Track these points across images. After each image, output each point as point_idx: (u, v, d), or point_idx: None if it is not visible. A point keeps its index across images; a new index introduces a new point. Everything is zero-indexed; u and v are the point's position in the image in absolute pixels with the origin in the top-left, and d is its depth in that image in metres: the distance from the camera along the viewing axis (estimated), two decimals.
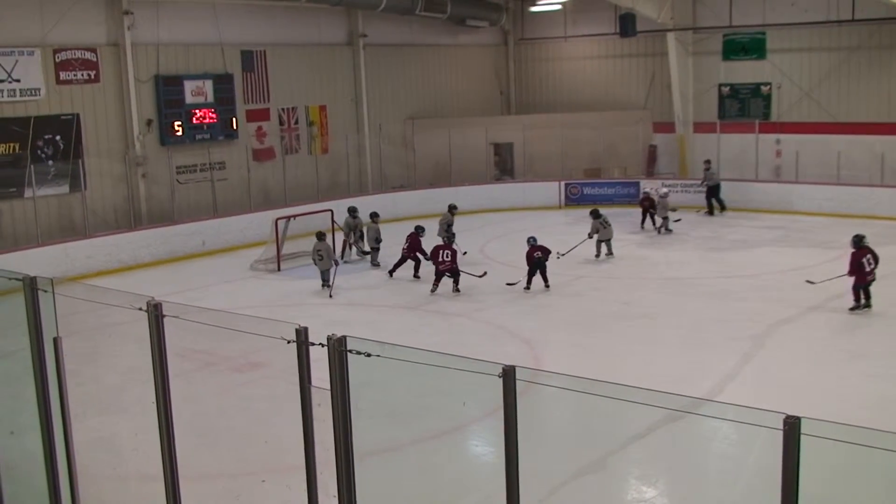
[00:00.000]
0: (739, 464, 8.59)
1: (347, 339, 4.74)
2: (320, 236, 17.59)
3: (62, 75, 19.87)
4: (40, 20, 19.48)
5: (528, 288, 16.42)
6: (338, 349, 4.74)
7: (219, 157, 22.98)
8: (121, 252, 19.59)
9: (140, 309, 5.62)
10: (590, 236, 19.10)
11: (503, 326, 14.43)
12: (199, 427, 9.49)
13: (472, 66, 30.76)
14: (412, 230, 18.11)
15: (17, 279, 6.39)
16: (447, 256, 16.49)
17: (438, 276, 16.52)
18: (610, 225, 19.21)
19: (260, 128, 24.20)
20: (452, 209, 19.98)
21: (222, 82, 22.98)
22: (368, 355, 4.65)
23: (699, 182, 24.79)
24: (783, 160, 25.78)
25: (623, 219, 22.07)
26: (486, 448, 9.00)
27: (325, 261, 17.18)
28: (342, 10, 25.77)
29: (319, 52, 25.78)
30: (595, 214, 19.34)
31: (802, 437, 3.58)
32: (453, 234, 18.96)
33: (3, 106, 18.91)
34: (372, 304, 16.44)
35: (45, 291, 6.35)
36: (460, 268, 16.71)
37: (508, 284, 16.57)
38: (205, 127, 22.61)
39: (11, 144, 19.09)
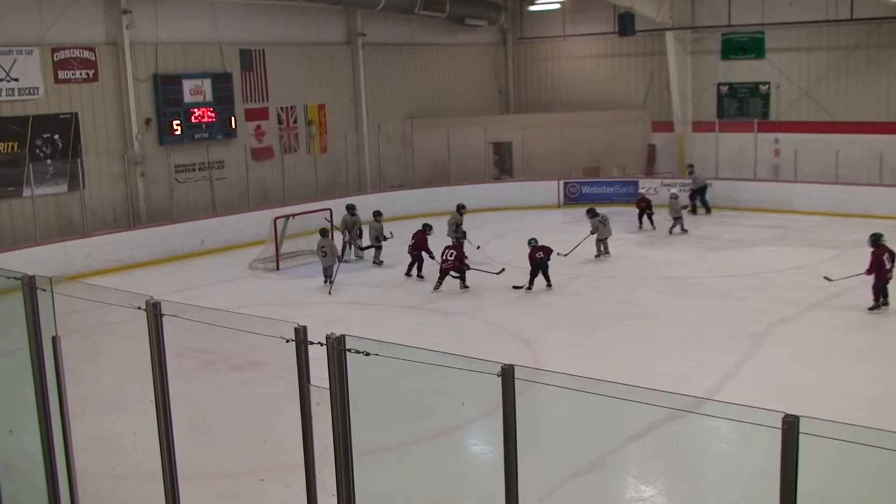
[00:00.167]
0: (738, 463, 8.60)
1: (346, 337, 4.73)
2: (324, 233, 17.63)
3: (61, 74, 19.85)
4: (39, 19, 19.46)
5: (530, 289, 16.42)
6: (337, 348, 4.74)
7: (217, 157, 22.96)
8: (119, 251, 19.59)
9: (139, 308, 5.62)
10: (591, 234, 19.12)
11: (503, 326, 14.43)
12: (198, 426, 9.50)
13: (471, 65, 30.76)
14: (419, 228, 18.04)
15: (15, 278, 6.38)
16: (450, 255, 16.52)
17: (442, 275, 16.54)
18: (608, 223, 19.24)
19: (259, 127, 24.19)
20: (461, 209, 19.93)
21: (221, 81, 22.96)
22: (367, 354, 4.65)
23: (689, 186, 24.62)
24: (782, 159, 25.81)
25: (622, 218, 22.07)
26: (485, 447, 8.99)
27: (328, 257, 17.21)
28: (341, 9, 25.76)
29: (318, 51, 25.76)
30: (592, 213, 19.36)
31: (801, 436, 3.58)
32: (464, 233, 18.87)
33: (1, 105, 18.89)
34: (372, 303, 16.44)
35: (44, 290, 6.34)
36: (477, 267, 16.75)
37: (515, 287, 16.52)
38: (203, 126, 22.59)
39: (10, 143, 19.07)
